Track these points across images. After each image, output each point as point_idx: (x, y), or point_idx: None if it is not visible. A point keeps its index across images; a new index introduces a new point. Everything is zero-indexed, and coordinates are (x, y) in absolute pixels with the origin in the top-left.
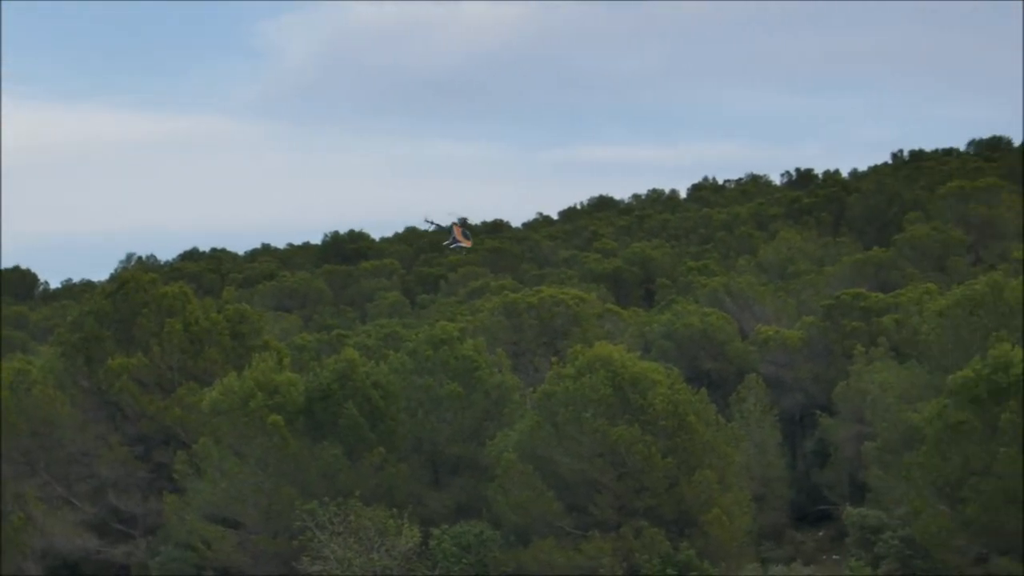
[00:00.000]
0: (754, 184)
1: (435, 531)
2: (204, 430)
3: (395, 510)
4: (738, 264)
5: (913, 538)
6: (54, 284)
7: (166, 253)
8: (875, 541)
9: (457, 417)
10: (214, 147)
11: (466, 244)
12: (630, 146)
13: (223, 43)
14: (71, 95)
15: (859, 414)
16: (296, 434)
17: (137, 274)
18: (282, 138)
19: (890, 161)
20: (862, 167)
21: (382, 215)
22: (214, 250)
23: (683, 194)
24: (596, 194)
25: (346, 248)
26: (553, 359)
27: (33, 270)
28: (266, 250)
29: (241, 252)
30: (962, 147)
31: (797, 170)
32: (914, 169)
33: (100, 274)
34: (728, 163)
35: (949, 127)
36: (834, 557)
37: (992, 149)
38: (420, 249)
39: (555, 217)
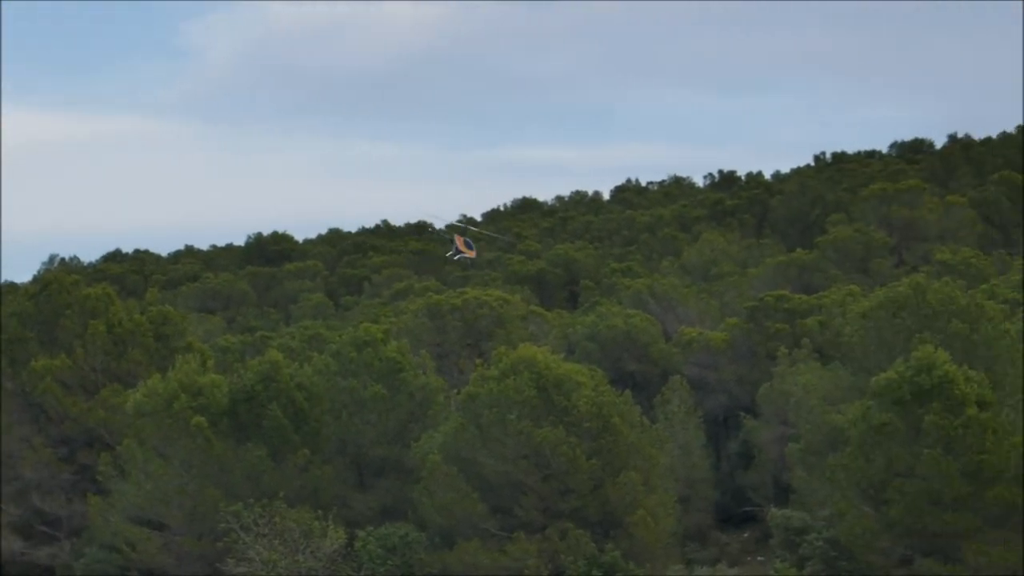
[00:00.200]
0: (677, 186)
1: (360, 533)
2: (128, 432)
3: (320, 512)
4: (662, 266)
5: (837, 539)
6: None
7: (89, 255)
8: (799, 543)
9: (381, 419)
10: (137, 147)
11: (470, 255)
12: (554, 147)
13: (146, 43)
14: None
15: (783, 416)
16: (220, 436)
17: (60, 276)
18: (206, 138)
19: (813, 163)
20: (785, 169)
21: (306, 216)
22: (137, 251)
23: (607, 196)
24: (520, 195)
25: (270, 250)
26: (477, 361)
27: None
28: (189, 252)
29: (164, 254)
30: (884, 149)
31: (720, 172)
32: (837, 171)
33: (23, 276)
34: (652, 165)
35: (871, 129)
36: (758, 559)
37: (914, 151)
38: (344, 251)
39: (479, 218)
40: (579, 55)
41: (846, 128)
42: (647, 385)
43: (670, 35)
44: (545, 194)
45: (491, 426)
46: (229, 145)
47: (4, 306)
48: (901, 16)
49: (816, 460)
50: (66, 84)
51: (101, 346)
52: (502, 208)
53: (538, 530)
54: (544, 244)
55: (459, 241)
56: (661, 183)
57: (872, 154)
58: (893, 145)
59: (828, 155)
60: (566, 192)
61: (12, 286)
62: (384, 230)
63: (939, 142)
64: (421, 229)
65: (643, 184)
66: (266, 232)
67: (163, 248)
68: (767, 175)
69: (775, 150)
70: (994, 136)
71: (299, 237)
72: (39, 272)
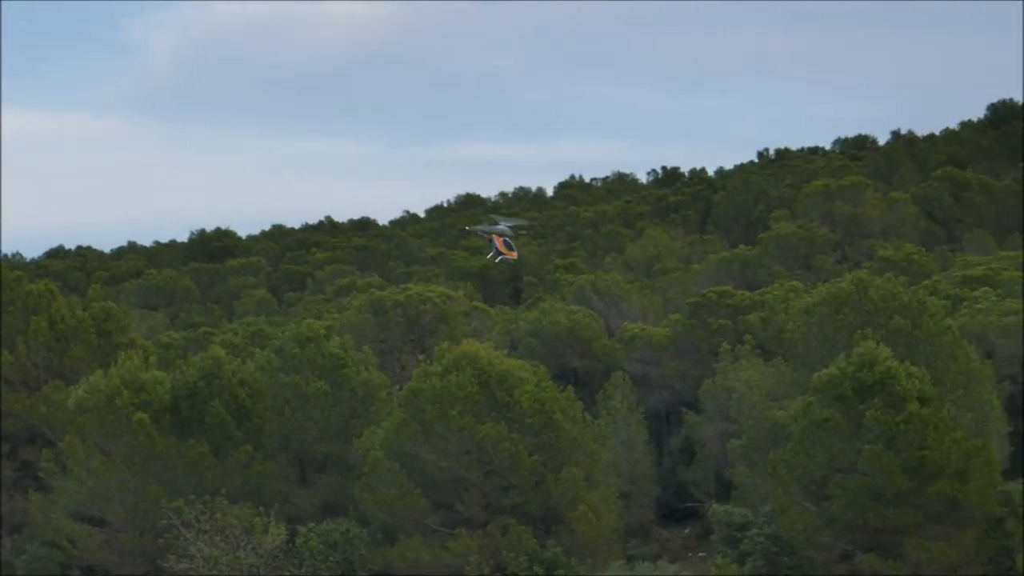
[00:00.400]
0: (621, 182)
1: (302, 529)
2: (70, 428)
3: (262, 508)
4: (605, 262)
5: (778, 535)
6: None
7: (31, 251)
8: (741, 538)
9: (324, 415)
10: (80, 144)
11: (512, 256)
12: (498, 144)
13: (88, 40)
14: None
15: (725, 411)
16: (162, 432)
17: (2, 272)
18: (149, 135)
19: (756, 159)
20: (728, 165)
21: (249, 213)
22: (80, 248)
23: (550, 192)
24: (464, 192)
25: (213, 246)
26: (420, 357)
27: None
28: (132, 248)
29: (107, 250)
30: (828, 146)
31: (664, 168)
32: (780, 167)
33: None
34: (595, 161)
35: (815, 126)
36: (700, 554)
37: (858, 148)
38: (287, 247)
39: (422, 215)
40: (523, 52)
41: (790, 125)
42: (590, 381)
43: (614, 32)
44: (488, 190)
45: (433, 422)
46: (172, 142)
47: None
48: (844, 14)
49: (758, 456)
50: (6, 81)
51: (43, 342)
52: (445, 204)
53: (480, 526)
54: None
55: (499, 242)
56: (605, 179)
57: (815, 151)
58: (836, 142)
59: (772, 151)
60: (510, 188)
61: None
62: (327, 226)
63: (882, 139)
64: (364, 226)
65: (587, 180)
66: (209, 228)
67: (106, 244)
68: (711, 171)
69: (719, 146)
70: (937, 133)
71: (242, 233)
72: None
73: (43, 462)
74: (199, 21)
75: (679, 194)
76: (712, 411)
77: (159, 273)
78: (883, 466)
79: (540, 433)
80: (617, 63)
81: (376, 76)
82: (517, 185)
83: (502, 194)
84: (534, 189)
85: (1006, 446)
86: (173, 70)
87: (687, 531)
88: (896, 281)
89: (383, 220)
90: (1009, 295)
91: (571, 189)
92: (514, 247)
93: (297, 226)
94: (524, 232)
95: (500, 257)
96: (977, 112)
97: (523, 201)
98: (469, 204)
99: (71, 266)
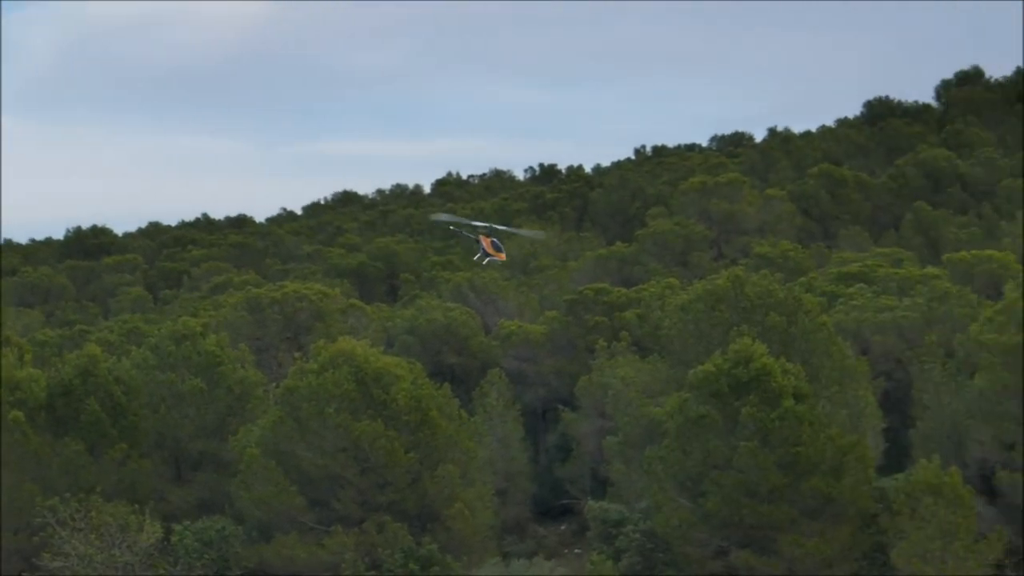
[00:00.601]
0: (498, 179)
1: (177, 527)
2: None
3: (137, 506)
4: None
5: (654, 532)
6: None
7: None
8: (616, 535)
9: (200, 412)
10: None
11: (500, 257)
12: (375, 141)
13: None
14: None
15: (601, 408)
16: (37, 430)
17: None
18: (23, 133)
19: (633, 156)
20: (605, 162)
21: (126, 210)
22: None
23: (427, 189)
24: (340, 189)
25: (89, 243)
26: (296, 354)
27: None
28: (7, 245)
29: None
30: (705, 143)
31: (541, 165)
32: (657, 164)
33: None
34: (473, 158)
35: (692, 123)
36: (576, 551)
37: (734, 144)
38: (163, 244)
39: (299, 212)
40: (400, 50)
41: (667, 122)
42: (466, 378)
43: (491, 29)
44: (366, 188)
45: (309, 420)
46: (48, 139)
47: None
48: (720, 12)
49: (634, 453)
50: None
51: None
52: (323, 202)
53: (356, 523)
54: (364, 237)
55: (486, 243)
56: (482, 176)
57: (692, 147)
58: (713, 139)
59: (649, 149)
60: (387, 186)
61: None
62: (204, 224)
63: (759, 136)
64: (240, 223)
65: (464, 177)
66: (85, 226)
67: None
68: (588, 168)
69: (596, 144)
70: (813, 130)
71: (119, 231)
72: None
73: None
74: (75, 18)
75: (556, 191)
76: (588, 408)
77: (35, 271)
78: (758, 462)
79: (416, 431)
80: (494, 60)
81: (254, 74)
82: (394, 182)
83: (379, 191)
84: (411, 186)
85: (880, 442)
86: (47, 67)
87: (563, 528)
88: (772, 278)
89: (260, 218)
90: (884, 292)
91: (448, 186)
92: (503, 248)
93: (174, 223)
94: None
95: (488, 259)
96: (853, 110)
97: (400, 198)
98: (346, 201)
99: None
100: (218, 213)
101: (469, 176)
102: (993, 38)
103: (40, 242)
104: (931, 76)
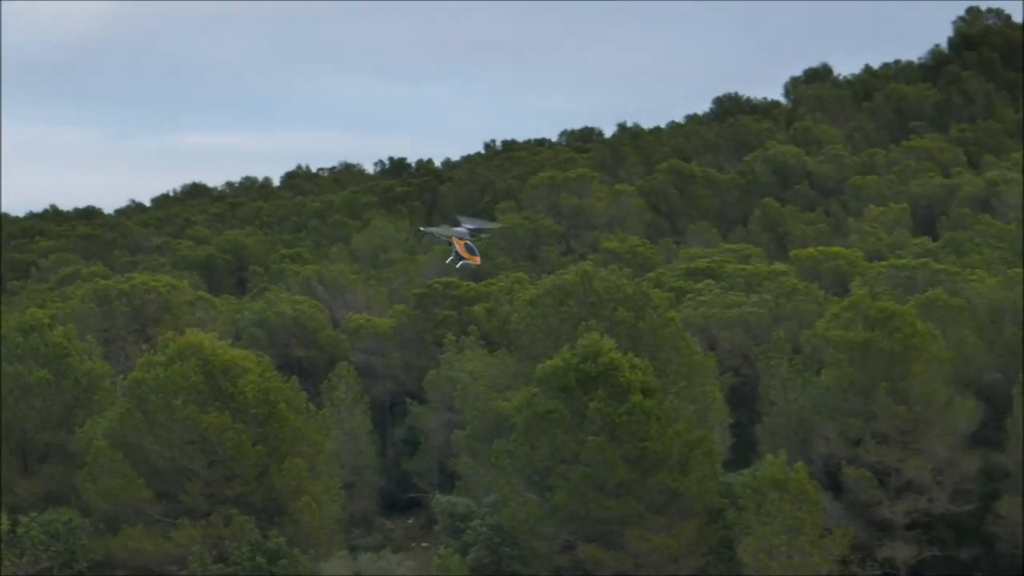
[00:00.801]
0: (348, 173)
1: (23, 519)
2: None
3: None
4: (331, 252)
5: (501, 526)
6: None
7: None
8: (464, 529)
9: (46, 404)
10: None
11: (475, 261)
12: (224, 133)
13: None
14: None
15: (449, 402)
16: None
17: None
18: None
19: (483, 151)
20: (455, 156)
21: None
22: None
23: (277, 182)
24: (189, 181)
25: None
26: (144, 347)
27: None
28: None
29: None
30: (554, 138)
31: (390, 159)
32: (507, 159)
33: None
34: (322, 151)
35: (542, 118)
36: (423, 545)
37: (584, 140)
38: (11, 235)
39: (148, 204)
40: (249, 42)
41: (517, 116)
42: (314, 371)
43: (340, 23)
44: (215, 180)
45: (157, 412)
46: None
47: None
48: (570, 7)
49: (481, 447)
50: None
51: None
52: (171, 194)
53: (203, 516)
54: (213, 230)
55: (459, 245)
56: (331, 170)
57: (542, 142)
58: (563, 134)
59: (498, 143)
60: (236, 178)
61: None
62: (52, 215)
63: (608, 131)
64: (89, 214)
65: (313, 170)
66: None
67: None
68: (437, 162)
69: (446, 138)
70: (662, 126)
71: None
72: None
73: None
74: None
75: (406, 185)
76: (436, 402)
77: None
78: (605, 457)
79: (264, 423)
80: (344, 53)
81: (101, 64)
82: (244, 175)
83: (228, 184)
84: (261, 179)
85: (727, 438)
86: None
87: (411, 521)
88: (620, 273)
89: (109, 209)
90: (732, 288)
91: (298, 179)
92: (477, 251)
93: (21, 214)
94: (486, 236)
95: (461, 262)
96: (703, 106)
97: (249, 191)
98: (195, 193)
99: None
100: (67, 204)
101: (319, 169)
102: (842, 36)
103: None
104: (780, 73)
